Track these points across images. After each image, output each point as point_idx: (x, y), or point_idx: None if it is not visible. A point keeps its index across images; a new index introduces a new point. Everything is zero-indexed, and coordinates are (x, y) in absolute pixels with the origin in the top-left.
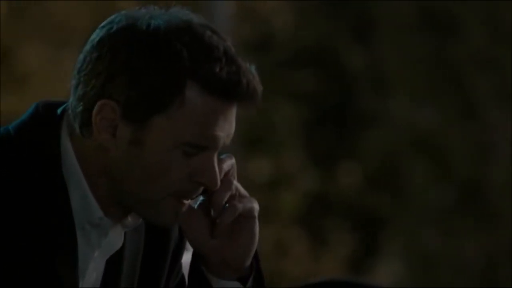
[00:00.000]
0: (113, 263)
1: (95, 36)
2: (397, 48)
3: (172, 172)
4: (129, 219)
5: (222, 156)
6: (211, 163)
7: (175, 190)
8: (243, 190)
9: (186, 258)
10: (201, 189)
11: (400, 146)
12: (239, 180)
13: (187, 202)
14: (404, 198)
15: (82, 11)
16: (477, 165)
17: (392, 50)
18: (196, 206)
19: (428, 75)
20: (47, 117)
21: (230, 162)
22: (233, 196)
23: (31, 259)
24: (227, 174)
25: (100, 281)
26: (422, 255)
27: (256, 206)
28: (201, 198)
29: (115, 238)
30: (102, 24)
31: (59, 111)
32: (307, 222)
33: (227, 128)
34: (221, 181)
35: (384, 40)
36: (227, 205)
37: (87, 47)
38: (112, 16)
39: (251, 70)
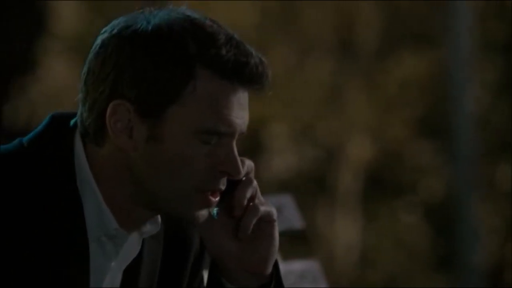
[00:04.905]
0: (131, 272)
1: (97, 42)
2: None
3: (194, 162)
4: (148, 226)
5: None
6: (231, 150)
7: (200, 182)
8: (260, 195)
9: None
10: (225, 181)
11: None
12: (485, 188)
13: (214, 200)
14: None
15: (326, 18)
16: None
17: None
18: (215, 213)
19: None
20: (60, 129)
21: (250, 163)
22: (253, 197)
23: (43, 272)
24: (247, 174)
25: None
26: None
27: (274, 210)
28: (216, 209)
29: (132, 246)
30: (101, 31)
31: (72, 122)
32: None
33: (242, 114)
34: (243, 179)
35: None
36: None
37: (90, 56)
38: (111, 23)
39: (258, 55)
